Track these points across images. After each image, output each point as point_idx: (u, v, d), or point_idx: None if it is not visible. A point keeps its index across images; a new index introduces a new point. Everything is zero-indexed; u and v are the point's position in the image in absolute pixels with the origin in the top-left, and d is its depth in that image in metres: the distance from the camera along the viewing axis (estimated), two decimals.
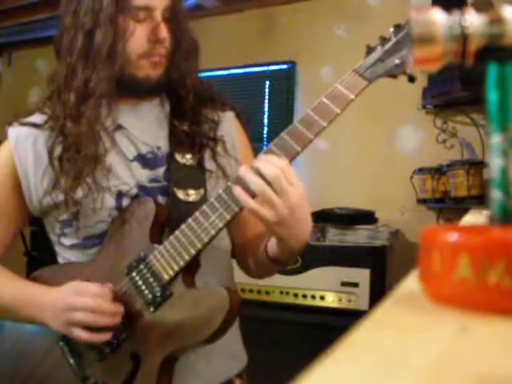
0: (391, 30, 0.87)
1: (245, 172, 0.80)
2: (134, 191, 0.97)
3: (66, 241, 1.00)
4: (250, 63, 2.88)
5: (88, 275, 0.95)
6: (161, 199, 0.97)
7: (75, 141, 0.93)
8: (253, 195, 0.80)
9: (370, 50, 0.89)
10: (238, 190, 0.80)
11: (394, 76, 0.89)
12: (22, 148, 0.99)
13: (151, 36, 0.95)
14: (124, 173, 0.98)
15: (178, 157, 1.00)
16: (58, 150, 0.95)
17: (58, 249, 1.04)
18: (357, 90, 0.86)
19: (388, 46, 0.88)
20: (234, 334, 1.05)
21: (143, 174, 0.98)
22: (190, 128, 1.03)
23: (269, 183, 0.77)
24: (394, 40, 0.87)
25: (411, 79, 0.89)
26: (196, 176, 1.00)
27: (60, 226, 0.99)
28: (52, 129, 0.97)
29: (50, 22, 3.14)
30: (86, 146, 0.93)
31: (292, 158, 0.84)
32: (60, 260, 1.04)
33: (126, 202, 0.96)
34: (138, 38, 0.95)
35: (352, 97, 0.86)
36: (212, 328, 0.84)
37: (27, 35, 3.49)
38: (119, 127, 1.00)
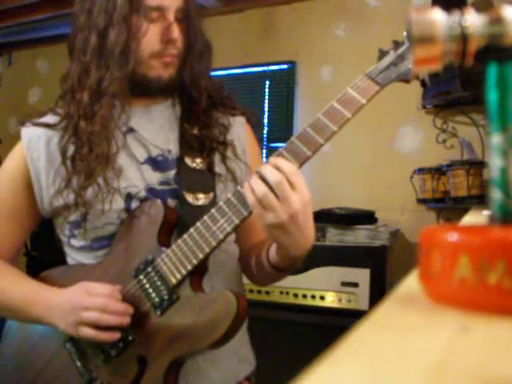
0: (405, 33, 0.85)
1: (251, 177, 0.80)
2: (143, 194, 0.97)
3: (75, 242, 1.00)
4: (250, 63, 2.88)
5: (96, 277, 0.94)
6: (171, 202, 0.97)
7: (88, 140, 0.93)
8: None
9: (382, 53, 0.87)
10: (245, 185, 0.80)
11: (406, 81, 0.87)
12: (35, 148, 0.99)
13: (163, 36, 0.95)
14: (134, 175, 0.98)
15: (188, 161, 0.99)
16: (70, 150, 0.96)
17: (67, 250, 1.04)
18: (369, 95, 0.85)
19: (401, 49, 0.86)
20: (241, 338, 1.04)
21: (154, 177, 0.98)
22: (200, 132, 1.03)
23: (272, 189, 0.77)
24: (407, 44, 0.85)
25: (424, 84, 0.88)
26: (205, 180, 0.99)
27: (69, 227, 0.99)
28: (65, 129, 0.97)
29: (50, 21, 3.14)
30: (98, 144, 0.93)
31: (302, 162, 0.83)
32: (69, 261, 1.04)
33: (135, 204, 0.96)
34: (150, 38, 0.95)
35: (364, 102, 0.84)
36: (219, 333, 0.83)
37: (27, 35, 3.49)
38: (131, 130, 1.00)
